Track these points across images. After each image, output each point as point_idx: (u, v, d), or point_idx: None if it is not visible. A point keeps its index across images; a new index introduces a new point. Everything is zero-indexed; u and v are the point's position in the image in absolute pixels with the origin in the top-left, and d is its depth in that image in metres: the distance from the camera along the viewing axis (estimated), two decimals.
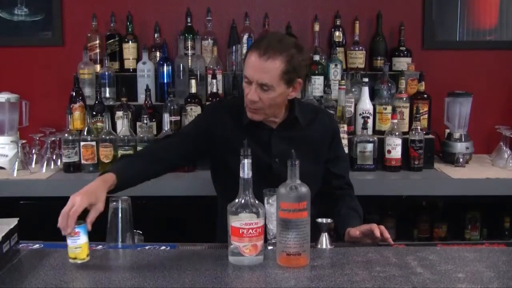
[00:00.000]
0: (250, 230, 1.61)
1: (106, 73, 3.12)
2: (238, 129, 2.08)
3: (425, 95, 3.07)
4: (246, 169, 1.65)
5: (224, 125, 2.10)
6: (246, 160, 1.65)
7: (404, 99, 3.03)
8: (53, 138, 3.00)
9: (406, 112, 3.03)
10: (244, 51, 3.16)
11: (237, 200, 1.64)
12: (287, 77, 1.95)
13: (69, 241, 1.63)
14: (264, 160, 2.08)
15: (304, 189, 1.63)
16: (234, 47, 3.18)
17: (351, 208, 2.12)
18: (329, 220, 1.87)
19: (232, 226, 1.62)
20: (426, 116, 3.07)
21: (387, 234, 1.86)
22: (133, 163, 2.01)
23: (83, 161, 2.89)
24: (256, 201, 1.65)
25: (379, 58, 3.25)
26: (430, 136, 3.04)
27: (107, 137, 2.88)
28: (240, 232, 1.60)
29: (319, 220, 1.86)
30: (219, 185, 2.21)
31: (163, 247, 1.85)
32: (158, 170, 2.09)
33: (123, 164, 1.99)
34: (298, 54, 1.97)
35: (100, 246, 1.82)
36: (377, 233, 1.84)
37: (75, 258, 1.63)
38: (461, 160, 3.04)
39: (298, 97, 2.19)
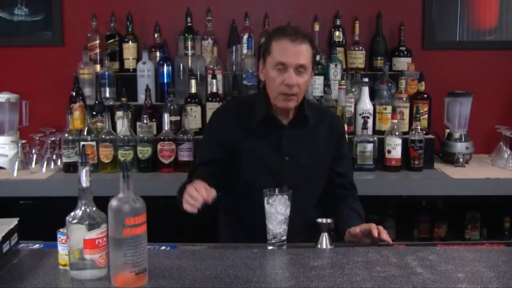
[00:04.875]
0: (104, 239, 1.53)
1: (106, 73, 3.12)
2: (248, 128, 2.11)
3: (425, 95, 3.07)
4: (83, 178, 1.53)
5: (231, 130, 2.12)
6: (84, 168, 1.53)
7: (404, 99, 3.03)
8: (53, 138, 3.00)
9: (406, 112, 3.03)
10: (244, 51, 3.16)
11: (79, 212, 1.52)
12: (314, 61, 2.07)
13: (59, 248, 1.61)
14: (273, 159, 2.11)
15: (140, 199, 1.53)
16: (234, 47, 3.18)
17: (353, 209, 2.12)
18: (329, 220, 1.87)
19: (87, 239, 1.50)
20: (426, 116, 3.07)
21: (384, 236, 1.85)
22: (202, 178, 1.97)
23: None
24: (94, 208, 1.54)
25: (379, 58, 3.25)
26: (430, 136, 3.04)
27: (107, 137, 2.89)
28: (97, 243, 1.51)
29: (319, 220, 1.86)
30: (227, 187, 2.20)
31: (163, 247, 1.85)
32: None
33: (196, 177, 1.97)
34: (314, 42, 2.12)
35: None
36: (375, 233, 1.85)
37: (65, 265, 1.60)
38: (461, 160, 3.04)
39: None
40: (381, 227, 1.88)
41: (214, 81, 2.98)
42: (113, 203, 1.49)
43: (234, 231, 2.19)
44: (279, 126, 2.11)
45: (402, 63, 3.23)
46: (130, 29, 3.22)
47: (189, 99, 2.98)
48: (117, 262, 1.48)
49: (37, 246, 1.84)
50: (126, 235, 1.46)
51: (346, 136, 2.88)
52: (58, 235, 1.61)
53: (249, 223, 2.11)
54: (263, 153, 2.11)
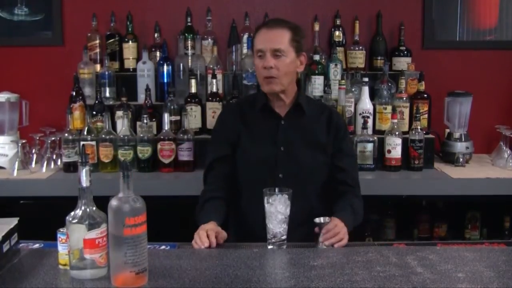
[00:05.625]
0: (104, 238, 1.53)
1: (106, 73, 3.12)
2: (248, 120, 2.21)
3: (425, 95, 3.07)
4: (83, 178, 1.53)
5: (233, 125, 2.22)
6: (84, 168, 1.53)
7: (404, 99, 3.03)
8: (53, 138, 3.00)
9: (406, 112, 3.02)
10: (244, 51, 3.16)
11: (79, 212, 1.53)
12: (295, 44, 2.13)
13: (59, 248, 1.61)
14: (269, 149, 2.17)
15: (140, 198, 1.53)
16: (234, 47, 3.18)
17: (348, 204, 2.12)
18: (327, 219, 1.87)
19: (87, 238, 1.50)
20: (426, 116, 3.07)
21: (325, 238, 1.84)
22: (215, 207, 2.12)
23: None
24: (94, 208, 1.54)
25: (379, 58, 3.25)
26: (430, 136, 3.04)
27: (107, 137, 2.88)
28: (97, 243, 1.52)
29: (317, 220, 1.86)
30: (235, 183, 2.24)
31: (163, 247, 1.85)
32: (227, 202, 2.19)
33: (210, 211, 2.09)
34: (298, 29, 2.18)
35: None
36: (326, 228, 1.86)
37: (65, 265, 1.60)
38: (461, 160, 3.04)
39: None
40: (330, 233, 1.85)
41: (214, 81, 2.98)
42: (113, 202, 1.49)
43: (237, 227, 2.23)
44: (276, 117, 2.20)
45: (402, 63, 3.23)
46: (130, 29, 3.22)
47: (189, 99, 2.98)
48: (117, 261, 1.48)
49: (37, 246, 1.85)
50: (126, 235, 1.46)
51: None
52: (58, 235, 1.61)
53: (250, 217, 2.14)
54: (260, 143, 2.18)
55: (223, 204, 2.15)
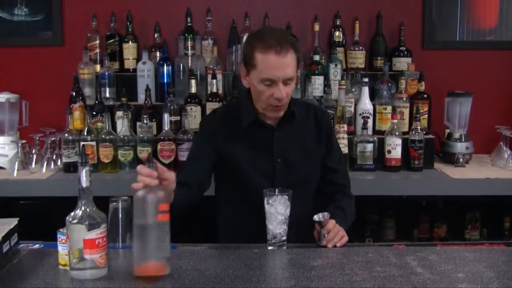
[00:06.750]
0: (104, 238, 1.55)
1: (106, 73, 3.12)
2: (237, 134, 2.10)
3: (425, 95, 3.07)
4: (84, 178, 1.54)
5: (222, 134, 2.11)
6: (84, 168, 1.54)
7: (404, 99, 3.03)
8: (53, 138, 2.99)
9: (406, 112, 3.03)
10: None
11: (79, 212, 1.54)
12: (298, 65, 2.02)
13: (59, 248, 1.61)
14: (266, 162, 2.10)
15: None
16: (234, 47, 3.18)
17: (337, 207, 2.08)
18: (325, 215, 1.86)
19: (86, 239, 1.51)
20: (426, 116, 3.07)
21: (329, 240, 1.85)
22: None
23: None
24: (94, 208, 1.56)
25: (379, 58, 3.25)
26: (430, 136, 3.04)
27: (107, 137, 2.88)
28: (97, 243, 1.53)
29: (316, 217, 1.86)
30: (223, 190, 2.21)
31: None
32: (193, 195, 2.05)
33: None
34: (296, 42, 2.12)
35: None
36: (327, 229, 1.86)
37: (65, 265, 1.60)
38: (461, 160, 3.04)
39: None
40: (331, 233, 1.86)
41: (214, 81, 2.98)
42: (139, 193, 1.53)
43: (232, 236, 2.15)
44: (269, 128, 2.10)
45: (402, 63, 3.23)
46: (130, 29, 3.22)
47: (189, 99, 2.98)
48: (146, 251, 1.53)
49: (37, 246, 1.84)
50: (160, 221, 1.52)
51: (346, 136, 2.90)
52: (58, 235, 1.61)
53: (248, 228, 2.08)
54: (256, 157, 2.09)
55: (186, 193, 1.96)
